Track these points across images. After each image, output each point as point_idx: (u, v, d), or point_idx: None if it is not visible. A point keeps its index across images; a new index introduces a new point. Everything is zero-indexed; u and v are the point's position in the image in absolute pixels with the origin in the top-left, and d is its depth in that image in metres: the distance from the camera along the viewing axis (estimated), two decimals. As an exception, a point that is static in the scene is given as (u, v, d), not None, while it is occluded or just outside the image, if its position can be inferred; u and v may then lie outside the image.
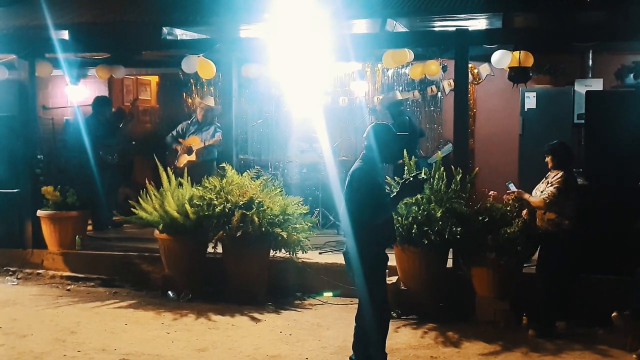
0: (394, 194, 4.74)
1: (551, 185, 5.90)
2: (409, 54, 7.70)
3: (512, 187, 6.27)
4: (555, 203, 5.86)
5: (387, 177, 6.15)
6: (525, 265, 6.37)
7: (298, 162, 9.35)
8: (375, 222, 4.54)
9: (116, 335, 5.93)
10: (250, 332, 6.04)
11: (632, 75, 8.82)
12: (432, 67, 8.65)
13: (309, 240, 7.09)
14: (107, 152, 9.25)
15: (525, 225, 6.12)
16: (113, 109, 10.05)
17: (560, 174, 5.92)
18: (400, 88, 9.94)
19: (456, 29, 7.15)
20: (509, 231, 6.11)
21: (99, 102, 9.60)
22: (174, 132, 9.35)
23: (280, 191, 7.20)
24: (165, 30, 7.80)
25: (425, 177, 4.81)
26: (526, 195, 6.10)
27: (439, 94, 10.04)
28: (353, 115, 10.16)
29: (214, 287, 7.10)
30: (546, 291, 5.90)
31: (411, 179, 4.60)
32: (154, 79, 11.69)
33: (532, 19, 7.56)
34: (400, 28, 7.64)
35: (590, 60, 9.00)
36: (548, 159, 6.05)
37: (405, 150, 6.56)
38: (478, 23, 7.38)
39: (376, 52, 8.32)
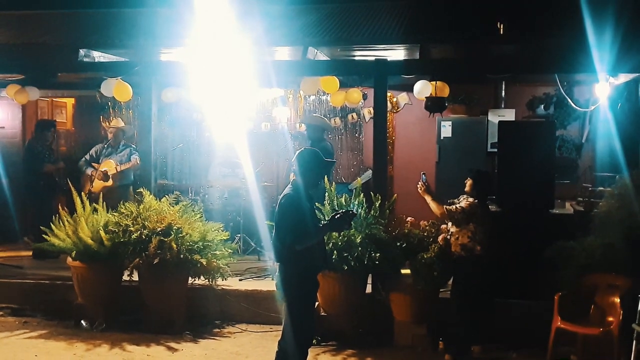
0: (323, 223, 4.78)
1: (459, 203, 6.06)
2: (337, 82, 7.78)
3: (424, 179, 6.23)
4: (453, 218, 6.00)
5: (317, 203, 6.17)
6: (441, 290, 6.50)
7: (219, 187, 9.24)
8: (298, 247, 4.56)
9: (24, 368, 5.67)
10: (166, 362, 5.89)
11: (542, 105, 9.21)
12: (355, 95, 8.79)
13: (229, 267, 6.99)
14: (62, 177, 8.86)
15: (441, 250, 6.23)
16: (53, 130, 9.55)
17: (471, 199, 6.05)
18: (323, 115, 10.01)
19: (375, 59, 7.32)
20: (425, 256, 6.22)
21: (42, 126, 9.26)
22: (87, 156, 9.00)
23: (201, 217, 7.09)
24: (82, 52, 7.64)
25: (355, 212, 4.84)
26: (429, 198, 6.12)
27: (360, 121, 10.20)
28: (275, 140, 10.16)
29: (130, 316, 6.89)
30: (461, 316, 6.01)
31: (341, 213, 4.64)
32: (70, 102, 11.35)
33: (448, 50, 7.82)
34: (322, 56, 7.75)
35: (503, 91, 9.29)
36: (468, 182, 6.10)
37: (326, 176, 6.60)
38: (397, 54, 7.58)
39: (298, 79, 8.39)
